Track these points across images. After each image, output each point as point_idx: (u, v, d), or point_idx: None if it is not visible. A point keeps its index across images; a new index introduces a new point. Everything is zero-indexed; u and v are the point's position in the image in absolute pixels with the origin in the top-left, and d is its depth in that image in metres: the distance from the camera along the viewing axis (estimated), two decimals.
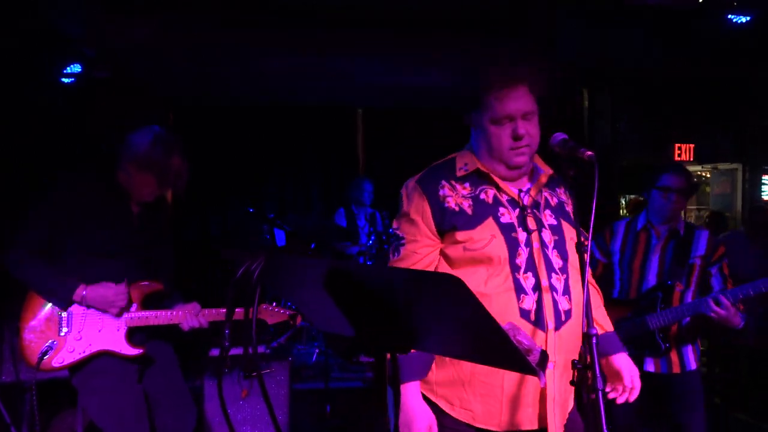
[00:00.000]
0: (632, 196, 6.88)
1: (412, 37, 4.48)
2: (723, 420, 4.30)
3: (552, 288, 1.58)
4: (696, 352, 2.70)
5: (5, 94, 4.09)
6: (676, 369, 2.64)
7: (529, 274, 1.57)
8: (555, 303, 1.57)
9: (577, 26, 4.57)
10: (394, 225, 1.68)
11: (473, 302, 0.93)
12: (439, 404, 1.62)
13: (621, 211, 6.81)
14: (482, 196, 1.63)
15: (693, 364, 2.66)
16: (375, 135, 6.94)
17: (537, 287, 1.57)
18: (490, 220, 1.59)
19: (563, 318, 1.57)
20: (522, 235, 1.59)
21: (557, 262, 1.61)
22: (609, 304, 2.71)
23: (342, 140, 6.93)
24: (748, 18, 4.12)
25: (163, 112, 6.02)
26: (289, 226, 4.34)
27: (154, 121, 2.47)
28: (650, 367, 2.64)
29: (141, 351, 2.32)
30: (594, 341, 1.35)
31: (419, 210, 1.63)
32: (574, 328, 1.58)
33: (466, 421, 1.59)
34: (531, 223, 1.62)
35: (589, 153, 1.49)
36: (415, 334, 1.07)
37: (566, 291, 1.60)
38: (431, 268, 1.62)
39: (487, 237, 1.57)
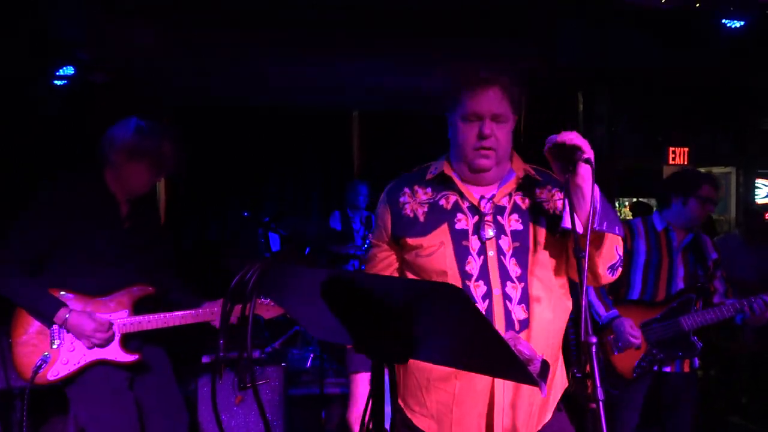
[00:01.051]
0: (633, 200, 6.94)
1: (412, 40, 4.49)
2: (719, 423, 4.31)
3: (505, 296, 1.55)
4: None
5: None
6: (687, 368, 2.74)
7: (481, 282, 1.55)
8: (507, 312, 1.54)
9: (574, 31, 4.58)
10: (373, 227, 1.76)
11: (474, 312, 0.91)
12: (405, 411, 1.63)
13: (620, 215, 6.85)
14: (442, 202, 1.62)
15: (696, 362, 2.79)
16: (371, 138, 6.94)
17: (488, 295, 1.54)
18: (444, 227, 1.59)
19: (517, 327, 1.54)
20: (475, 243, 1.57)
21: (515, 270, 1.57)
22: (629, 305, 2.72)
23: (338, 143, 6.93)
24: (742, 23, 4.15)
25: (160, 114, 5.99)
26: (284, 231, 4.31)
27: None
28: (667, 367, 2.71)
29: (137, 357, 2.30)
30: (594, 350, 1.33)
31: (382, 217, 1.68)
32: (533, 337, 1.54)
33: (424, 429, 1.59)
34: (488, 232, 1.58)
35: (587, 156, 1.47)
36: (414, 344, 1.06)
37: (523, 300, 1.56)
38: (386, 272, 1.68)
39: (436, 244, 1.57)
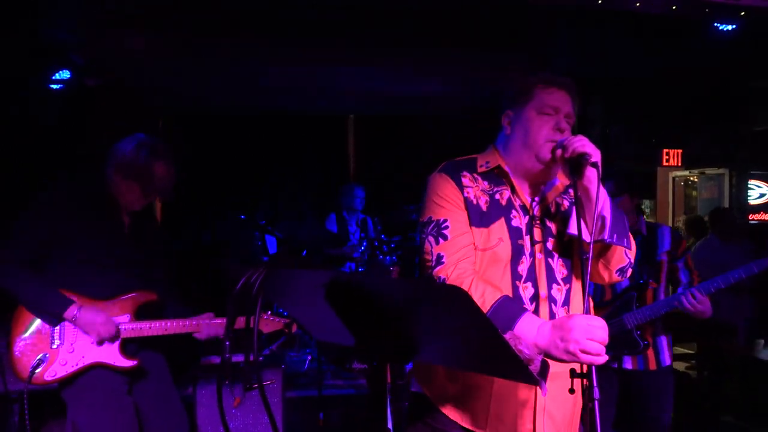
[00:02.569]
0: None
1: (410, 47, 4.52)
2: (713, 423, 4.34)
3: (551, 299, 1.58)
4: (670, 347, 2.76)
5: None
6: (653, 365, 2.70)
7: (529, 284, 1.58)
8: (552, 315, 1.57)
9: (569, 37, 4.62)
10: (426, 215, 1.62)
11: (475, 312, 0.93)
12: (432, 399, 1.63)
13: None
14: (497, 196, 1.62)
15: (668, 360, 2.74)
16: (367, 140, 6.97)
17: (535, 297, 1.57)
18: (501, 222, 1.59)
19: None
20: (527, 244, 1.60)
21: (561, 272, 1.61)
22: None
23: (334, 146, 6.95)
24: (734, 26, 4.19)
25: (154, 120, 6.00)
26: (281, 233, 4.33)
27: (145, 129, 2.48)
28: (628, 364, 2.70)
29: (135, 363, 2.30)
30: None
31: (451, 194, 1.60)
32: None
33: (455, 420, 1.60)
34: (537, 234, 1.62)
35: (594, 159, 1.49)
36: (416, 344, 1.07)
37: (566, 302, 1.61)
38: (471, 259, 1.56)
39: (495, 239, 1.57)
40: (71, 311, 2.18)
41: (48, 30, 4.15)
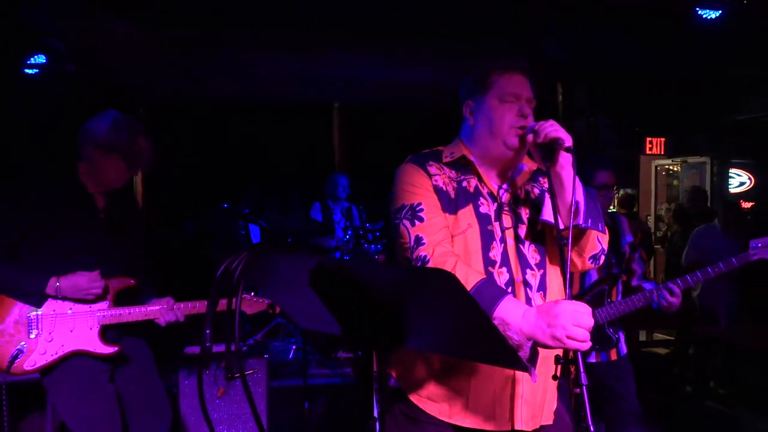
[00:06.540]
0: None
1: (402, 39, 4.49)
2: (693, 407, 4.41)
3: (526, 284, 1.58)
4: (625, 336, 2.74)
5: None
6: (614, 357, 2.68)
7: (504, 269, 1.57)
8: (528, 300, 1.57)
9: (555, 26, 4.62)
10: (399, 202, 1.61)
11: (465, 298, 0.91)
12: (412, 399, 1.62)
13: None
14: (464, 184, 1.62)
15: (625, 349, 2.72)
16: (352, 130, 6.94)
17: (510, 282, 1.57)
18: (470, 208, 1.59)
19: None
20: (497, 230, 1.59)
21: (534, 257, 1.61)
22: None
23: (319, 135, 6.91)
24: (718, 13, 4.20)
25: (135, 108, 5.90)
26: (265, 222, 4.28)
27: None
28: (592, 358, 2.66)
29: (116, 349, 2.27)
30: None
31: (420, 180, 1.61)
32: None
33: (435, 415, 1.59)
34: (507, 220, 1.61)
35: (567, 144, 1.49)
36: (405, 331, 1.05)
37: (541, 287, 1.60)
38: (449, 241, 1.57)
39: (464, 225, 1.57)
40: (51, 285, 2.15)
41: (26, 13, 4.05)
